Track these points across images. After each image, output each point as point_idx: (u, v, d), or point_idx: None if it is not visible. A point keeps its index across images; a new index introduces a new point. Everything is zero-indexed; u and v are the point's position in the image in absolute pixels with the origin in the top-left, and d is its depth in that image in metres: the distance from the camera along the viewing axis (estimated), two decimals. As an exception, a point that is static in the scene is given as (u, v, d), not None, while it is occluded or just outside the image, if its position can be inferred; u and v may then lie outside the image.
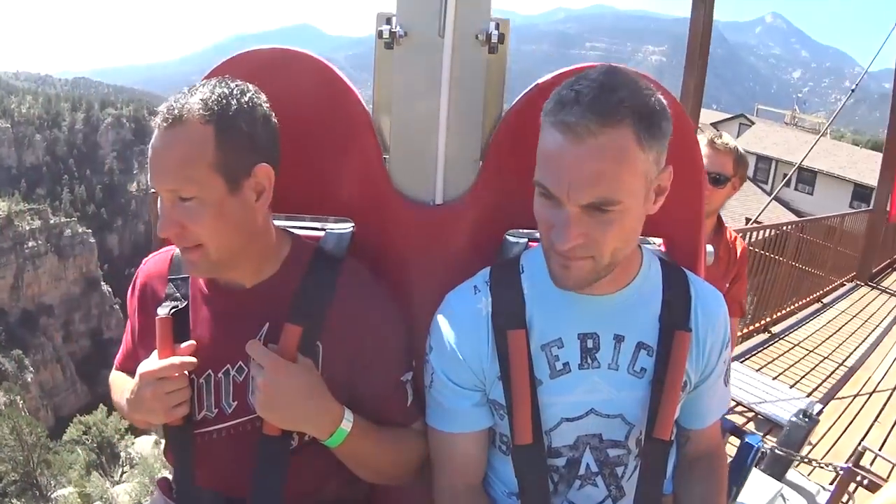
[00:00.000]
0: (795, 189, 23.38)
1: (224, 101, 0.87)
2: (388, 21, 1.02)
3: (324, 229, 1.12)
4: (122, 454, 16.39)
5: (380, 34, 1.02)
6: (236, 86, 0.90)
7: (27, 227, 51.54)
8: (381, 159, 1.09)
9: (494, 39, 0.98)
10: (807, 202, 22.68)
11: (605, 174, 0.78)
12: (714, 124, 27.80)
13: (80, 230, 55.55)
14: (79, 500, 12.51)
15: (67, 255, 53.29)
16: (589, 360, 0.94)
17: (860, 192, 21.33)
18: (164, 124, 0.86)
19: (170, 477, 1.07)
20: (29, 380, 40.64)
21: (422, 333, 1.03)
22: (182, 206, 0.87)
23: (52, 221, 53.84)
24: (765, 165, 24.57)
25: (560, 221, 0.82)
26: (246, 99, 0.89)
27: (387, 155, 1.09)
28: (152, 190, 0.91)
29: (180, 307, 0.99)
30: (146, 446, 15.58)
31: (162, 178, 0.86)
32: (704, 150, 2.09)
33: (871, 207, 8.57)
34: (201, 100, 0.86)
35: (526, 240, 1.09)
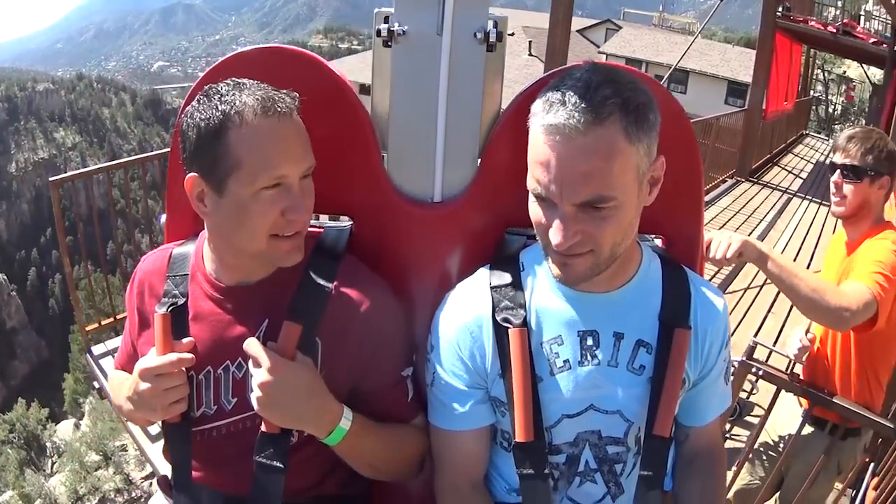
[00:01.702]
0: (668, 89, 24.56)
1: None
2: (386, 20, 1.01)
3: (322, 227, 1.12)
4: (48, 444, 15.68)
5: (378, 32, 1.01)
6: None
7: None
8: (379, 157, 1.09)
9: (493, 38, 1.00)
10: (681, 101, 23.87)
11: (596, 172, 0.80)
12: (580, 31, 27.28)
13: (-38, 222, 49.65)
14: (20, 502, 11.96)
15: (-46, 251, 47.70)
16: (588, 357, 0.95)
17: (735, 89, 21.89)
18: (270, 113, 0.88)
19: (169, 475, 1.07)
20: (-63, 393, 36.91)
21: (421, 330, 1.06)
22: None
23: (-66, 222, 47.65)
24: (635, 68, 25.33)
25: (555, 221, 0.83)
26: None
27: (385, 153, 1.10)
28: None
29: (179, 304, 0.99)
30: (67, 431, 15.01)
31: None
32: None
33: (746, 106, 8.97)
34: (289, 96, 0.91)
35: (525, 237, 1.09)
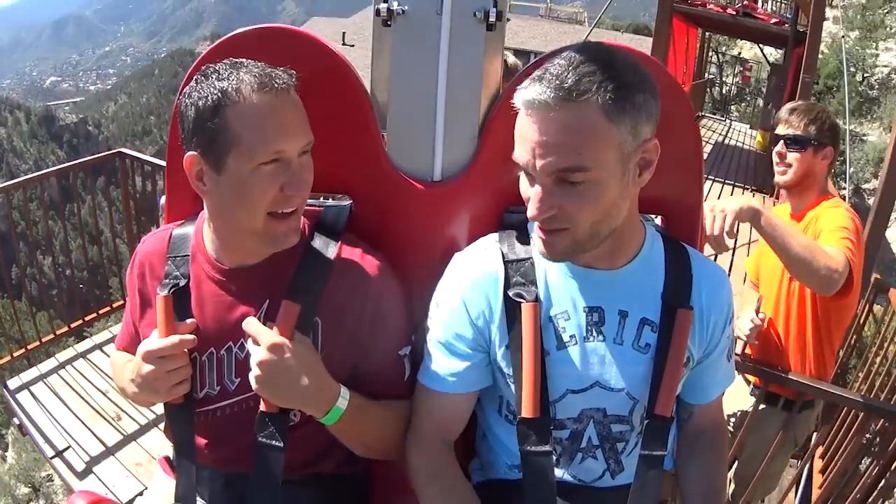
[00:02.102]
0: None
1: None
2: None
3: (322, 206, 1.12)
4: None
5: (377, 12, 1.02)
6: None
7: None
8: (379, 136, 1.09)
9: (492, 17, 1.02)
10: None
11: (569, 145, 0.81)
12: None
13: None
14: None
15: None
16: (594, 334, 0.95)
17: None
18: (267, 89, 0.88)
19: (171, 454, 1.07)
20: None
21: (420, 308, 1.06)
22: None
23: None
24: (523, 59, 25.57)
25: (532, 193, 0.85)
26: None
27: (385, 132, 1.10)
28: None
29: (181, 285, 0.99)
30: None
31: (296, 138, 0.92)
32: None
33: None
34: (286, 73, 0.91)
35: (524, 215, 1.09)
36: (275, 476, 0.93)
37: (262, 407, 0.93)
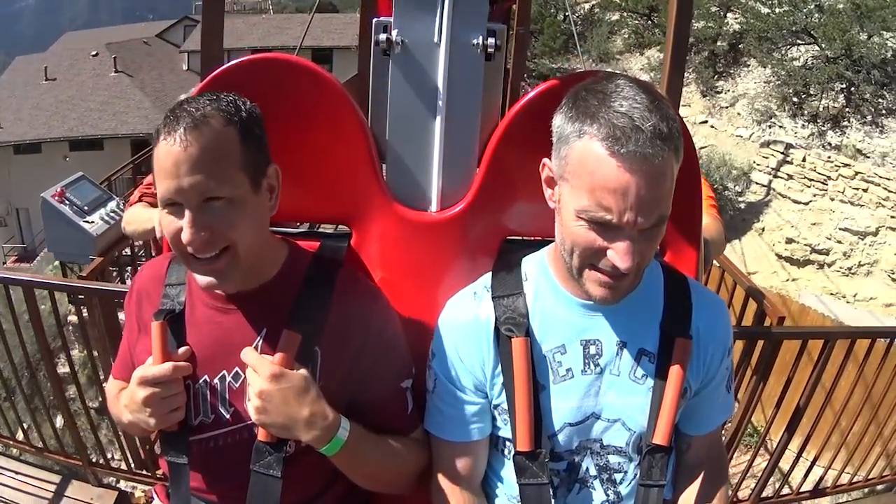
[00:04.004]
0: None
1: (235, 106, 0.89)
2: (385, 29, 1.02)
3: (321, 237, 1.11)
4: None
5: (376, 42, 1.02)
6: (234, 96, 0.91)
7: None
8: (377, 166, 1.09)
9: (491, 48, 1.02)
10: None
11: (665, 195, 0.81)
12: (160, 35, 25.63)
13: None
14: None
15: None
16: (591, 366, 0.95)
17: (321, 55, 20.63)
18: (189, 125, 0.84)
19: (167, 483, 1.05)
20: None
21: (421, 341, 1.05)
22: (209, 208, 0.86)
23: None
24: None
25: (618, 245, 0.82)
26: (250, 106, 0.91)
27: (384, 162, 1.10)
28: (165, 206, 0.87)
29: (176, 312, 0.99)
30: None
31: (191, 179, 0.83)
32: None
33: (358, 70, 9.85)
34: (215, 107, 0.87)
35: (525, 246, 1.08)
36: None
37: (259, 437, 0.92)
